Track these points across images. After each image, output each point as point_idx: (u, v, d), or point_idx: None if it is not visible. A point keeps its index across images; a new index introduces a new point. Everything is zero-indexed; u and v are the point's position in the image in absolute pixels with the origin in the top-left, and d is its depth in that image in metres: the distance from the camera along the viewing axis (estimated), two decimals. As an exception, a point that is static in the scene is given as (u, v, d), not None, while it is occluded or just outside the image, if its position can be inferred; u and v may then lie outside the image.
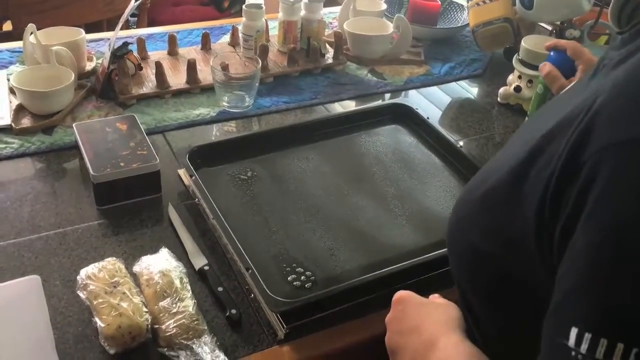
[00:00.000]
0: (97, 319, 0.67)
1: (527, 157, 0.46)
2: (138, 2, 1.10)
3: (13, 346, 0.66)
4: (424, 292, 0.65)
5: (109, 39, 1.23)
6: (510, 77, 1.16)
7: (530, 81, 1.10)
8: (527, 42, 1.11)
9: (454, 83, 1.26)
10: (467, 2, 1.27)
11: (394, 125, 1.08)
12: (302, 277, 0.77)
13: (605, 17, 1.18)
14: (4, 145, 0.95)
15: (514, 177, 0.48)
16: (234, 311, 0.72)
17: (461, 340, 0.56)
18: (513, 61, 1.14)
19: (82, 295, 0.69)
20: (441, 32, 1.38)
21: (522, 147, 0.48)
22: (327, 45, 1.26)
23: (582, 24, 1.15)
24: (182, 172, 0.93)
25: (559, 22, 1.17)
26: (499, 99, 1.18)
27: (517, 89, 1.12)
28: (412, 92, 1.22)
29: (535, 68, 1.02)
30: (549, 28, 1.26)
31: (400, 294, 0.64)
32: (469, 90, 1.25)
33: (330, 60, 1.24)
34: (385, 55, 1.28)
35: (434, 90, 1.23)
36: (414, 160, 1.00)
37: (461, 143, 1.03)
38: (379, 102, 1.16)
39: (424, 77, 1.26)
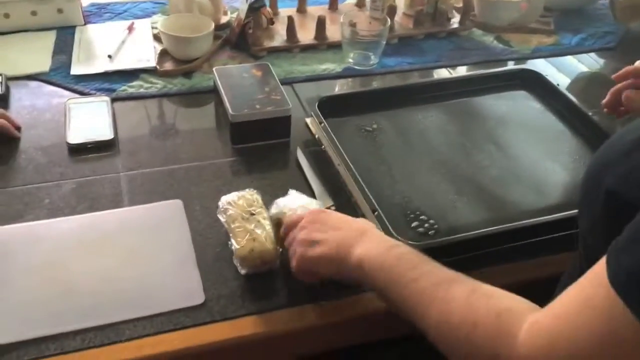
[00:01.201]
0: (233, 241, 0.72)
1: None
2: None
3: (160, 259, 0.73)
4: (537, 254, 0.65)
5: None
6: (649, 50, 1.10)
7: (672, 54, 1.04)
8: (672, 13, 1.05)
9: (584, 55, 1.21)
10: (607, -30, 1.22)
11: (521, 91, 1.06)
12: (426, 225, 0.78)
13: None
14: (149, 85, 1.03)
15: None
16: (358, 249, 0.75)
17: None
18: (654, 33, 1.08)
19: (221, 218, 0.75)
20: (573, 2, 1.33)
21: None
22: (454, 10, 1.26)
23: None
24: (309, 120, 0.97)
25: None
26: (633, 73, 1.12)
27: (657, 61, 1.07)
28: (539, 62, 1.19)
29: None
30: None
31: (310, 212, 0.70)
32: (600, 63, 1.21)
33: (456, 25, 1.23)
34: (513, 23, 1.25)
35: (562, 60, 1.20)
36: (541, 126, 0.98)
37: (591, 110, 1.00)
38: (506, 67, 1.15)
39: (552, 47, 1.22)
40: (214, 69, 0.99)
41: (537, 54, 1.20)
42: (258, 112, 0.90)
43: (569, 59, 1.20)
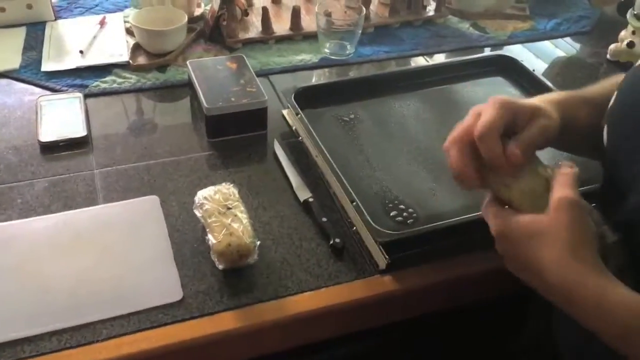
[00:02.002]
0: (210, 236, 0.71)
1: None
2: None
3: (137, 256, 0.72)
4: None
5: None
6: (623, 33, 1.11)
7: (646, 36, 1.05)
8: (645, -4, 1.05)
9: (559, 39, 1.22)
10: (580, -45, 1.22)
11: (498, 77, 1.06)
12: (404, 214, 0.78)
13: None
14: (122, 80, 1.02)
15: None
16: (337, 240, 0.75)
17: (624, 296, 0.49)
18: (628, 16, 1.09)
19: (197, 213, 0.74)
20: (548, -13, 1.33)
21: None
22: (429, -2, 1.25)
23: None
24: (286, 112, 0.96)
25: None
26: (608, 56, 1.13)
27: (630, 44, 1.08)
28: (516, 48, 1.19)
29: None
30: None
31: (497, 230, 0.56)
32: (575, 47, 1.21)
33: (432, 13, 1.23)
34: (489, 9, 1.25)
35: (538, 45, 1.20)
36: (517, 112, 0.98)
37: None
38: (482, 54, 1.15)
39: (528, 32, 1.22)
40: (188, 62, 0.98)
41: (513, 39, 1.20)
42: (233, 104, 0.89)
43: (545, 44, 1.20)
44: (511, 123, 0.58)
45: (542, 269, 0.52)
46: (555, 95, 0.69)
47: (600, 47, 1.18)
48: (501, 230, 0.56)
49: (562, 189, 0.54)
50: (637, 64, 0.66)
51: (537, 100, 0.64)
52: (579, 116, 0.66)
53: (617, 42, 1.12)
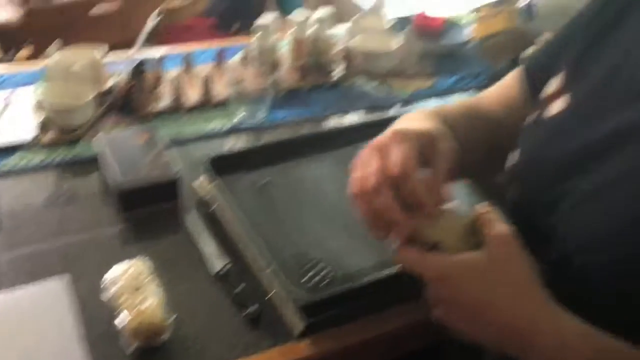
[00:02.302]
0: (121, 316, 0.69)
1: None
2: (156, 21, 1.16)
3: (44, 344, 0.69)
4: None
5: (127, 59, 1.27)
6: (515, 87, 1.19)
7: (534, 90, 1.14)
8: (529, 53, 1.14)
9: (460, 95, 1.29)
10: (472, 15, 1.31)
11: (404, 134, 1.11)
12: (321, 275, 0.79)
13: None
14: (31, 156, 1.00)
15: None
16: (253, 308, 0.75)
17: (581, 329, 0.49)
18: (518, 71, 1.17)
19: (108, 294, 0.72)
20: (446, 47, 1.42)
21: None
22: (337, 61, 1.31)
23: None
24: (199, 181, 0.96)
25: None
26: (505, 109, 1.21)
27: (522, 97, 1.16)
28: (420, 104, 1.25)
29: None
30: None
31: (434, 275, 0.53)
32: (476, 101, 1.29)
33: (340, 75, 1.28)
34: (393, 69, 1.32)
35: (440, 101, 1.27)
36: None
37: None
38: (389, 113, 1.20)
39: (431, 89, 1.29)
40: (97, 135, 0.97)
41: (416, 97, 1.26)
42: (144, 178, 0.89)
43: (447, 100, 1.27)
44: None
45: (492, 309, 0.50)
46: (437, 114, 0.72)
47: (497, 100, 1.26)
48: (439, 274, 0.53)
49: (495, 225, 0.53)
50: (530, 119, 0.71)
51: (427, 123, 0.66)
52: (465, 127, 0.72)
53: (511, 95, 1.20)
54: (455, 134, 0.67)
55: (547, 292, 0.52)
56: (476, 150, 0.75)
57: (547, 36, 1.26)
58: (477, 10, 1.29)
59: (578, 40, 0.69)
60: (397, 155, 0.57)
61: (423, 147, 0.60)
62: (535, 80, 0.77)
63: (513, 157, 0.74)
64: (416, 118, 0.69)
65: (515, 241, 0.52)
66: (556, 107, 0.67)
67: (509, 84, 0.83)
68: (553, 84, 0.70)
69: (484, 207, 0.56)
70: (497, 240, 0.52)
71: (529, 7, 1.18)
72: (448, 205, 0.57)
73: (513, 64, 1.28)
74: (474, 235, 0.54)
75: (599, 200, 0.56)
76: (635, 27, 0.63)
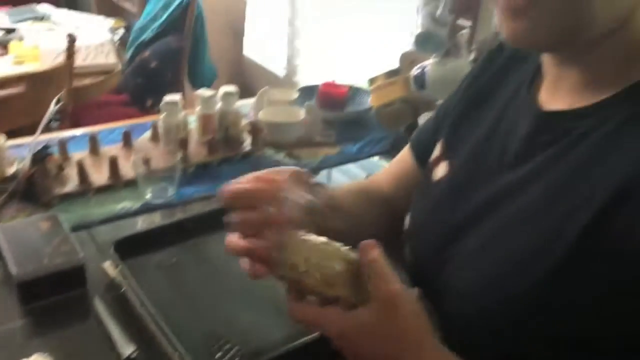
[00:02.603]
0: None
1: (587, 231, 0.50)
2: (57, 107, 1.16)
3: None
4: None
5: (30, 143, 1.26)
6: (414, 151, 1.27)
7: (431, 152, 1.21)
8: (424, 119, 1.22)
9: (365, 160, 1.36)
10: (370, 86, 1.39)
11: (312, 203, 1.14)
12: (230, 353, 0.79)
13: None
14: None
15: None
16: (163, 394, 0.73)
17: None
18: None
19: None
20: (349, 115, 1.49)
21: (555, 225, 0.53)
22: (245, 134, 1.34)
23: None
24: (107, 264, 0.95)
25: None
26: (406, 171, 1.28)
27: (421, 160, 1.23)
28: (327, 172, 1.30)
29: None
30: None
31: (336, 331, 0.55)
32: (380, 165, 1.35)
33: (248, 147, 1.32)
34: (300, 139, 1.37)
35: (347, 167, 1.32)
36: (329, 234, 1.06)
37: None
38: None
39: (336, 156, 1.35)
40: (-4, 227, 0.95)
41: (324, 164, 1.31)
42: (46, 266, 0.87)
43: (352, 166, 1.33)
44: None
45: None
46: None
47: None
48: (337, 332, 0.55)
49: (383, 281, 0.53)
50: (421, 183, 0.76)
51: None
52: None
53: (411, 158, 1.27)
54: (342, 207, 0.72)
55: (437, 341, 0.56)
56: (369, 225, 0.79)
57: (439, 103, 1.36)
58: (373, 80, 1.37)
59: (456, 107, 0.76)
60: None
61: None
62: (420, 149, 0.83)
63: (407, 221, 0.78)
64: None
65: (402, 295, 0.54)
66: (439, 172, 0.73)
67: (402, 157, 0.89)
68: (437, 148, 0.75)
69: (366, 248, 0.55)
70: (384, 296, 0.54)
71: (420, 76, 1.27)
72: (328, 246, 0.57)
73: (410, 129, 1.37)
74: (362, 281, 0.55)
75: (474, 263, 0.60)
76: (505, 97, 0.68)
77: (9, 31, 2.48)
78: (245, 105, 1.55)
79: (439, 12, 1.22)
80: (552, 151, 0.57)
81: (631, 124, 0.52)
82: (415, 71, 1.29)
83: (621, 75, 0.54)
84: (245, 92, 1.61)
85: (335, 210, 0.71)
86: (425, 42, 1.26)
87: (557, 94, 0.60)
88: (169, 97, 1.28)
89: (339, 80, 1.54)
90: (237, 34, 3.02)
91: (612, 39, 0.54)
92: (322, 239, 0.58)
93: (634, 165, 0.50)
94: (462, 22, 1.33)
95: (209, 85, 2.76)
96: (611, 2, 0.52)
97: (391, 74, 1.36)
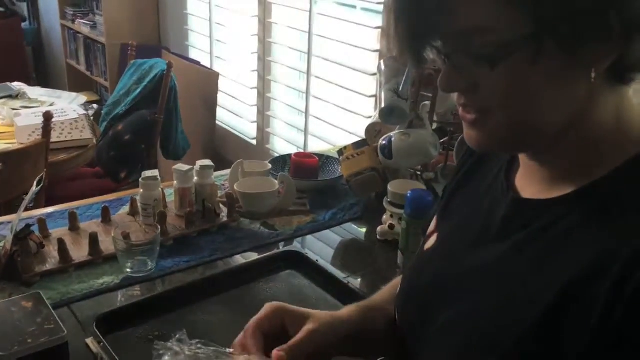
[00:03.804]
0: None
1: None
2: (38, 189, 1.19)
3: None
4: None
5: (9, 222, 1.28)
6: (385, 217, 1.33)
7: (400, 219, 1.27)
8: (393, 186, 1.29)
9: (338, 227, 1.41)
10: (339, 156, 1.47)
11: (289, 271, 1.19)
12: None
13: (451, 159, 1.41)
14: None
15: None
16: None
17: None
18: (384, 203, 1.31)
19: None
20: (321, 184, 1.56)
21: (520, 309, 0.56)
22: (221, 205, 1.39)
23: (435, 167, 1.37)
24: (89, 340, 0.97)
25: (416, 168, 1.39)
26: (378, 237, 1.33)
27: (391, 226, 1.29)
28: (303, 238, 1.35)
29: (402, 207, 1.19)
30: (411, 171, 1.48)
31: None
32: (352, 231, 1.41)
33: (225, 219, 1.36)
34: (275, 209, 1.42)
35: (321, 234, 1.37)
36: (310, 300, 1.10)
37: (349, 279, 1.15)
38: (272, 252, 1.28)
39: (311, 224, 1.40)
40: (-22, 308, 0.96)
41: (298, 232, 1.36)
42: (30, 346, 0.88)
43: (326, 232, 1.38)
44: (279, 326, 0.68)
45: None
46: (346, 309, 0.78)
47: (372, 228, 1.39)
48: None
49: None
50: (418, 254, 0.79)
51: (319, 313, 0.73)
52: (374, 324, 0.77)
53: (382, 224, 1.33)
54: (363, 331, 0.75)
55: None
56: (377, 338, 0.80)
57: (405, 171, 1.43)
58: (342, 151, 1.44)
59: (451, 183, 0.81)
60: (253, 318, 0.71)
61: (287, 323, 0.70)
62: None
63: None
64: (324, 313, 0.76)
65: None
66: (429, 243, 0.78)
67: None
68: (433, 222, 0.81)
69: None
70: None
71: (386, 146, 1.34)
72: None
73: (379, 196, 1.43)
74: None
75: (444, 338, 0.64)
76: (489, 177, 0.72)
77: (-17, 109, 2.52)
78: (220, 176, 1.60)
79: (400, 88, 1.31)
80: (523, 235, 0.60)
81: (582, 226, 0.55)
82: (381, 142, 1.37)
83: (583, 171, 0.58)
84: (219, 160, 1.67)
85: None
86: (389, 114, 1.34)
87: (530, 182, 0.64)
88: (149, 173, 1.32)
89: (309, 149, 1.61)
90: (210, 105, 3.11)
91: (567, 139, 0.58)
92: None
93: (578, 269, 0.53)
94: (424, 93, 1.43)
95: (182, 155, 2.82)
96: (556, 108, 0.56)
97: (359, 144, 1.44)
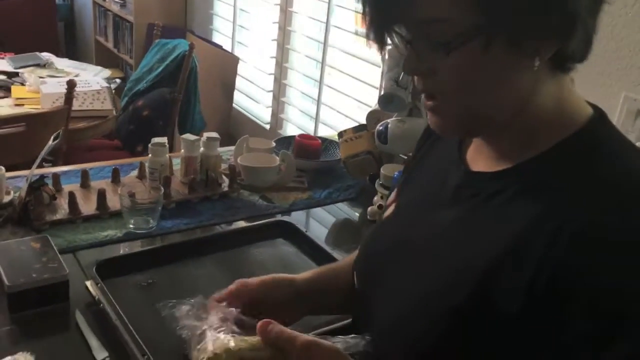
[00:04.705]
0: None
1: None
2: (55, 142, 1.28)
3: None
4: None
5: (26, 176, 1.38)
6: (375, 198, 1.40)
7: (389, 199, 1.35)
8: (385, 169, 1.37)
9: (332, 205, 1.49)
10: (339, 139, 1.54)
11: (279, 239, 1.27)
12: (193, 361, 0.90)
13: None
14: None
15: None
16: (131, 392, 0.83)
17: None
18: (376, 185, 1.39)
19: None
20: (321, 164, 1.63)
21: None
22: (224, 176, 1.47)
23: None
24: (89, 283, 1.06)
25: (410, 153, 1.45)
26: (368, 217, 1.41)
27: (380, 207, 1.36)
28: (298, 213, 1.43)
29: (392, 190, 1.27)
30: (405, 157, 1.54)
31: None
32: (346, 211, 1.48)
33: (226, 189, 1.45)
34: (274, 184, 1.50)
35: (317, 214, 1.45)
36: (295, 266, 1.18)
37: (334, 251, 1.23)
38: (265, 220, 1.36)
39: (307, 200, 1.48)
40: (-8, 244, 1.06)
41: (294, 207, 1.44)
42: (35, 279, 0.97)
43: (321, 212, 1.46)
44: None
45: None
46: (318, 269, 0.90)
47: (365, 211, 1.46)
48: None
49: (294, 338, 0.63)
50: (377, 222, 0.88)
51: (304, 277, 0.84)
52: (335, 283, 0.87)
53: (373, 205, 1.40)
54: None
55: None
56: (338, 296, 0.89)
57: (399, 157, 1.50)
58: (342, 133, 1.52)
59: (409, 163, 0.88)
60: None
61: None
62: None
63: None
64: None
65: (315, 341, 0.63)
66: (388, 211, 0.85)
67: None
68: (393, 193, 0.88)
69: (266, 328, 0.65)
70: (300, 345, 0.63)
71: (382, 132, 1.41)
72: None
73: (372, 178, 1.51)
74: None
75: (391, 301, 0.71)
76: (444, 152, 0.78)
77: (12, 75, 2.64)
78: (227, 151, 1.69)
79: (400, 77, 1.38)
80: (471, 204, 0.68)
81: (518, 197, 0.62)
82: (378, 127, 1.44)
83: (523, 150, 0.65)
84: (233, 142, 1.75)
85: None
86: (388, 102, 1.41)
87: (479, 157, 0.72)
88: (157, 139, 1.41)
89: (319, 133, 1.69)
90: (228, 88, 3.20)
91: (516, 121, 0.64)
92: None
93: (523, 227, 0.60)
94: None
95: (197, 134, 2.91)
96: (506, 94, 0.62)
97: (358, 128, 1.51)
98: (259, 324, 0.65)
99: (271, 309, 0.78)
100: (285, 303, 0.81)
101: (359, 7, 0.64)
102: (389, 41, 0.65)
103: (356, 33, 2.34)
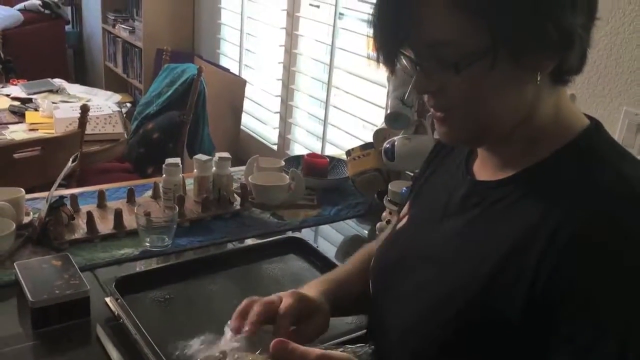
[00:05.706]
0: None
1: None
2: (73, 165, 1.33)
3: None
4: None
5: (44, 197, 1.42)
6: (384, 214, 1.43)
7: (397, 215, 1.38)
8: (393, 186, 1.40)
9: (342, 222, 1.52)
10: (347, 157, 1.58)
11: (290, 255, 1.30)
12: (211, 373, 0.93)
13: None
14: (-52, 285, 1.09)
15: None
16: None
17: None
18: (384, 201, 1.42)
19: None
20: (329, 182, 1.67)
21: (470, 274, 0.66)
22: (235, 195, 1.51)
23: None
24: (108, 299, 1.09)
25: (416, 170, 1.49)
26: (377, 233, 1.44)
27: (389, 222, 1.39)
28: (308, 230, 1.46)
29: (401, 206, 1.30)
30: (411, 174, 1.58)
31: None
32: (355, 227, 1.52)
33: (238, 207, 1.48)
34: (284, 202, 1.54)
35: (326, 232, 1.48)
36: (307, 281, 1.20)
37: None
38: (276, 237, 1.39)
39: (316, 217, 1.51)
40: (15, 263, 1.10)
41: (304, 224, 1.47)
42: (57, 296, 1.01)
43: (330, 230, 1.49)
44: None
45: None
46: (327, 278, 0.92)
47: (374, 228, 1.50)
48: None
49: (309, 353, 0.62)
50: (390, 229, 0.91)
51: (320, 291, 0.85)
52: (351, 291, 0.89)
53: (381, 220, 1.44)
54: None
55: None
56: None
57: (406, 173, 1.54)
58: (350, 152, 1.56)
59: (423, 172, 0.92)
60: (287, 303, 0.78)
61: (303, 310, 0.79)
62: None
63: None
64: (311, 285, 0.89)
65: (330, 353, 0.63)
66: (402, 223, 0.89)
67: None
68: (406, 207, 0.92)
69: (281, 346, 0.63)
70: (315, 357, 0.63)
71: (389, 149, 1.45)
72: None
73: (380, 195, 1.54)
74: None
75: (404, 307, 0.75)
76: (453, 166, 0.83)
77: (25, 101, 2.71)
78: (238, 171, 1.73)
79: (406, 95, 1.42)
80: (475, 212, 0.71)
81: (519, 203, 0.66)
82: (385, 145, 1.48)
83: (525, 158, 0.69)
84: (241, 163, 1.79)
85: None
86: (394, 120, 1.45)
87: (485, 168, 0.76)
88: (171, 160, 1.46)
89: (326, 153, 1.73)
90: (235, 110, 3.26)
91: (519, 130, 0.68)
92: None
93: (522, 233, 0.64)
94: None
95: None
96: (511, 106, 0.66)
97: (366, 147, 1.55)
98: (273, 343, 0.65)
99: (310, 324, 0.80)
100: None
101: (369, 31, 0.68)
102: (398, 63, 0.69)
103: (368, 57, 2.39)
